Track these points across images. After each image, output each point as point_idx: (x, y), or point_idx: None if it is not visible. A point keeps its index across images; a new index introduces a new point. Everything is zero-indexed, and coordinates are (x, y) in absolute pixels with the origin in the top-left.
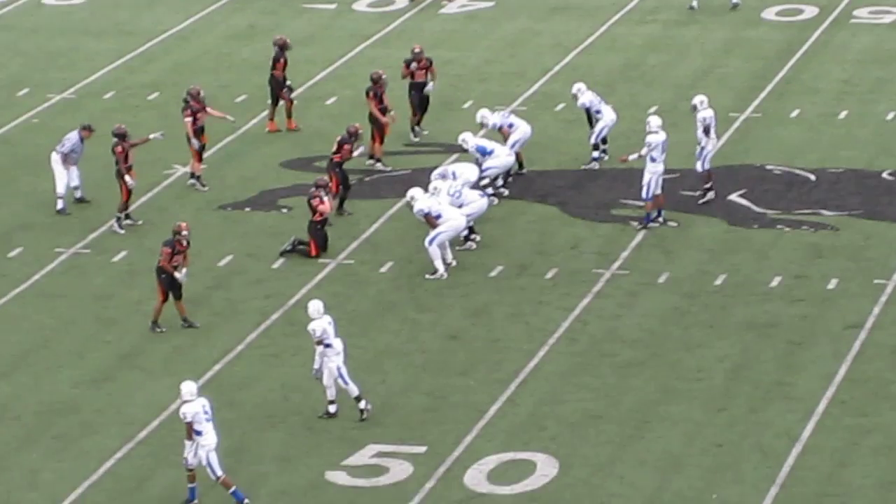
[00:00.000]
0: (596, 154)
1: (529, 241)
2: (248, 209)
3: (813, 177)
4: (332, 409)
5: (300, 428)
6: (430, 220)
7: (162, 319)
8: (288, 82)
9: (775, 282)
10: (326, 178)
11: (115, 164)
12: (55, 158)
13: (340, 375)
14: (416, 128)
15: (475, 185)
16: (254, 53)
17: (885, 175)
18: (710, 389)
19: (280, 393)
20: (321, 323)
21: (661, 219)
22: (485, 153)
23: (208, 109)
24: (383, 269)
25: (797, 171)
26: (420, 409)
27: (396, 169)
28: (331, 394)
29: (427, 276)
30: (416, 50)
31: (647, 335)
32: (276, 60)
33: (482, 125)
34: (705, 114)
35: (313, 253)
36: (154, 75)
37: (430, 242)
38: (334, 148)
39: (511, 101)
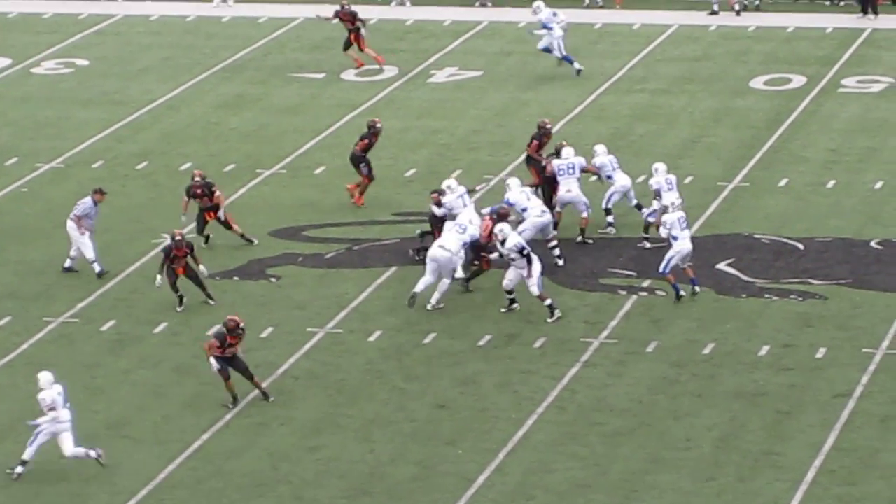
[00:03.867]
0: (610, 219)
1: (518, 311)
2: (236, 278)
3: (801, 246)
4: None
5: (289, 497)
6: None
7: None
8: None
9: (763, 351)
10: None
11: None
12: (70, 225)
13: (36, 438)
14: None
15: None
16: (242, 122)
17: (873, 244)
18: (699, 459)
19: (268, 462)
20: (51, 393)
21: (697, 288)
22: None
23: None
24: (371, 339)
25: (785, 241)
26: (408, 478)
27: (383, 238)
28: (28, 454)
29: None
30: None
31: (635, 404)
32: (361, 138)
33: (447, 190)
34: (657, 178)
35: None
36: (143, 144)
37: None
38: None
39: (500, 170)
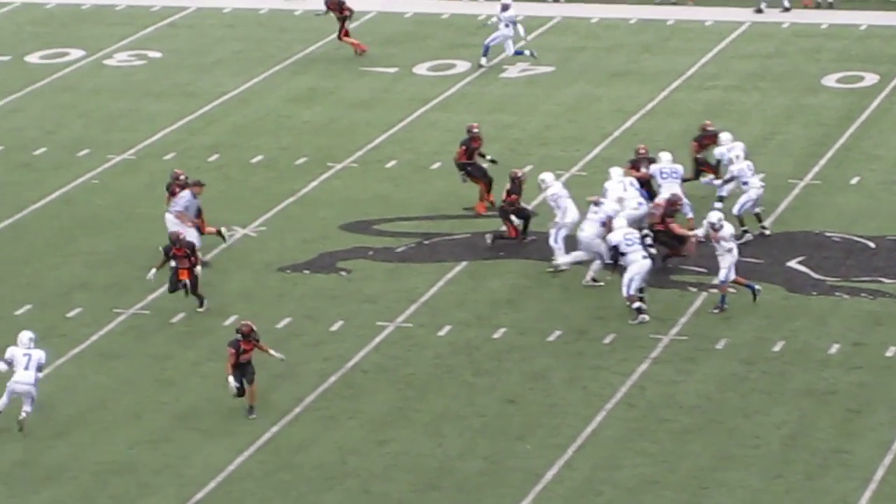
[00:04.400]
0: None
1: (588, 306)
2: (306, 271)
3: (872, 244)
4: None
5: (357, 491)
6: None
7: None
8: (488, 159)
9: (833, 349)
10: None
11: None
12: (169, 218)
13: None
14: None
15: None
16: (314, 116)
17: None
18: (768, 456)
19: (337, 455)
20: (14, 350)
21: (758, 287)
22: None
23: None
24: (441, 333)
25: (856, 239)
26: (477, 472)
27: (454, 233)
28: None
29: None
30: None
31: (704, 401)
32: (460, 144)
33: (542, 188)
34: (739, 165)
35: (513, 235)
36: (214, 137)
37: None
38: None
39: (571, 165)
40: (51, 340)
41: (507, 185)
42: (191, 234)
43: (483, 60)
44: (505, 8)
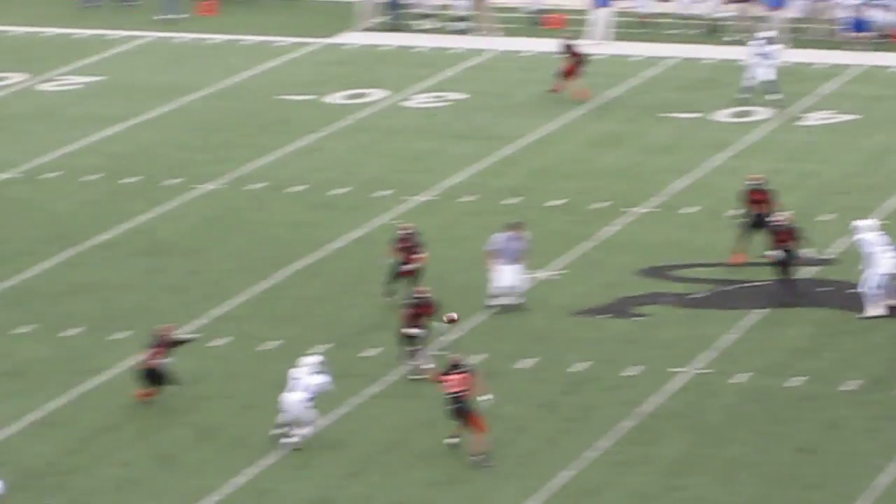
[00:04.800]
0: None
1: (887, 356)
2: (603, 316)
3: None
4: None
5: None
6: None
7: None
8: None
9: None
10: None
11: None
12: (491, 260)
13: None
14: None
15: None
16: (614, 160)
17: None
18: None
19: (630, 501)
20: (294, 371)
21: None
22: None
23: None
24: (737, 380)
25: None
26: None
27: (752, 280)
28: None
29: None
30: None
31: None
32: (747, 191)
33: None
34: None
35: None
36: (514, 180)
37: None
38: None
39: (871, 214)
40: (347, 379)
41: (776, 232)
42: (498, 277)
43: (778, 97)
44: (767, 42)
